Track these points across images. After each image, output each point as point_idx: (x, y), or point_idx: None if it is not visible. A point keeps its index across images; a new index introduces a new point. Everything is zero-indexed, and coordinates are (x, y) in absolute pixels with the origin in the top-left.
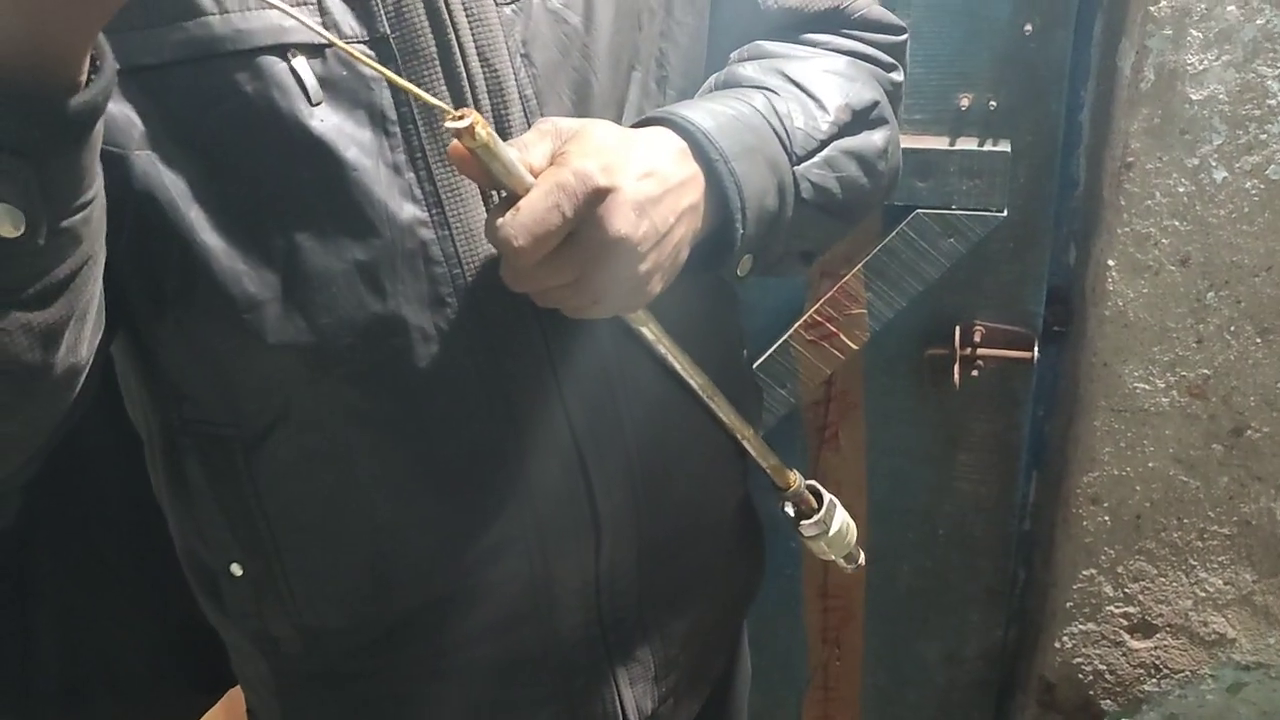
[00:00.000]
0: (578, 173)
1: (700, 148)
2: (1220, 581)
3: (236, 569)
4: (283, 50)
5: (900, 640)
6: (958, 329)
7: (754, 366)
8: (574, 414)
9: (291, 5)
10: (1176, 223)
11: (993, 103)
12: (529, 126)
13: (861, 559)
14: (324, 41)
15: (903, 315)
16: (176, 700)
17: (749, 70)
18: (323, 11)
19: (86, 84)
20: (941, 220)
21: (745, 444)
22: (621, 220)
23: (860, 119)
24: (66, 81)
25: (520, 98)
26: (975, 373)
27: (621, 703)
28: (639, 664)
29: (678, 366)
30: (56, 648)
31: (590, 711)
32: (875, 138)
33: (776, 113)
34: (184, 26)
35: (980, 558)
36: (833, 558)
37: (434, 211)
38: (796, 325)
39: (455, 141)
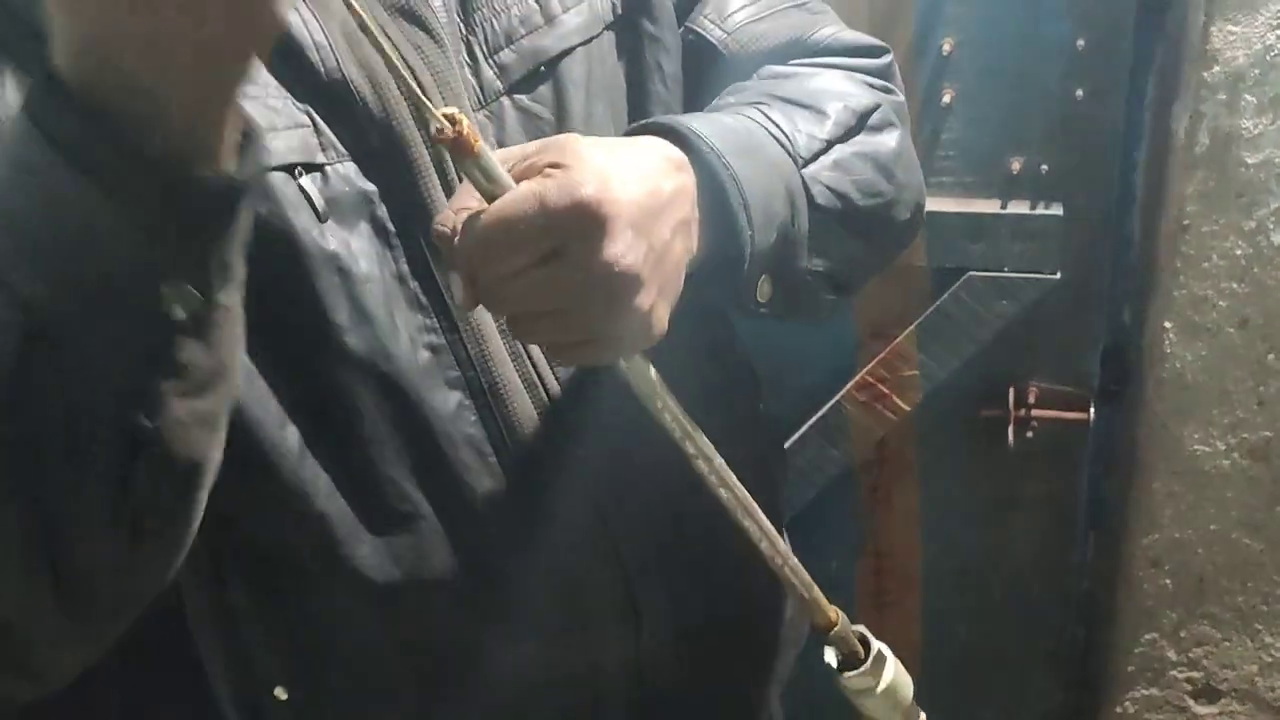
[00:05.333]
0: (561, 179)
1: (692, 147)
2: None
3: (281, 693)
4: (291, 169)
5: (957, 705)
6: (1012, 390)
7: (806, 426)
8: (605, 504)
9: (290, 126)
10: (1234, 285)
11: (1044, 166)
12: None
13: None
14: (322, 160)
15: (956, 376)
16: None
17: (732, 100)
18: (318, 131)
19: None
20: (994, 283)
21: (765, 555)
22: (618, 241)
23: (864, 122)
24: (222, 161)
25: None
26: (1030, 434)
27: None
28: None
29: (677, 432)
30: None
31: None
32: (886, 140)
33: (773, 120)
34: None
35: (1038, 621)
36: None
37: (442, 319)
38: (849, 386)
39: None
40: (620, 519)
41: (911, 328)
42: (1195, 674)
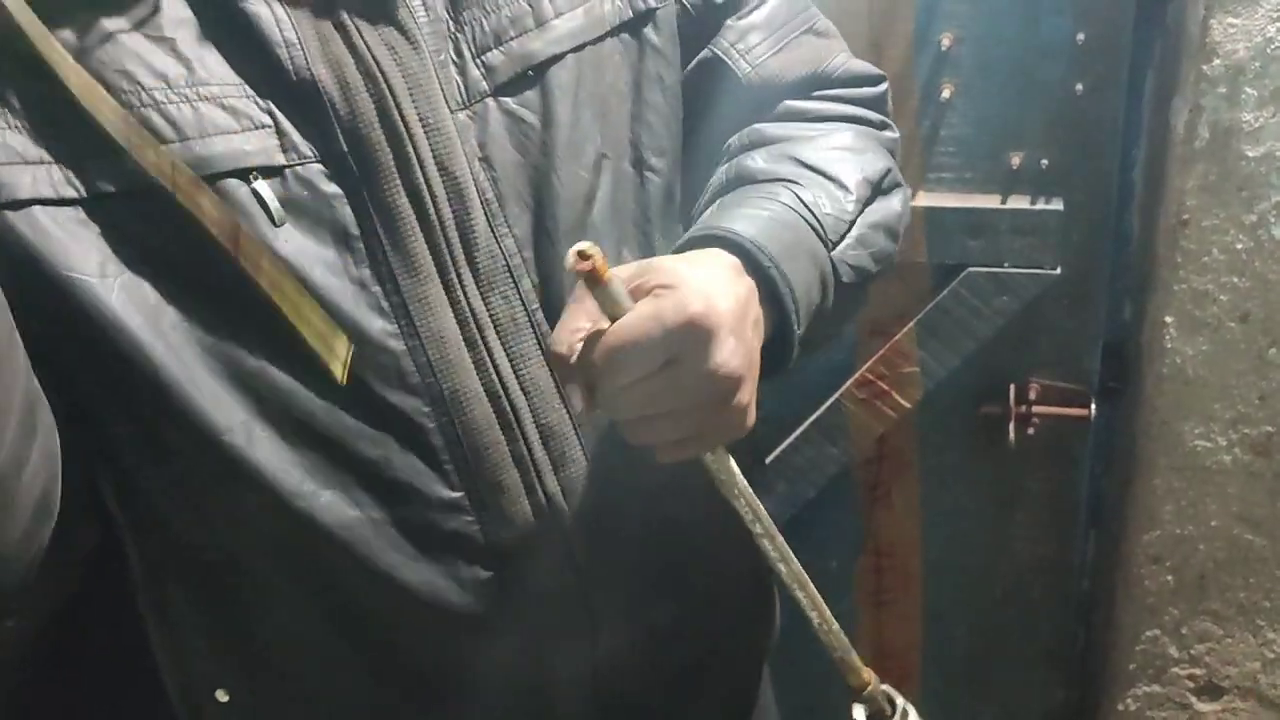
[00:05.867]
0: (673, 298)
1: (751, 257)
2: None
3: (222, 695)
4: (245, 174)
5: (958, 704)
6: (1012, 387)
7: (806, 424)
8: (564, 512)
9: (249, 128)
10: (1235, 279)
11: (1044, 161)
12: (491, 230)
13: None
14: (283, 162)
15: (956, 373)
16: None
17: (760, 162)
18: (280, 133)
19: None
20: (994, 279)
21: (814, 623)
22: (725, 349)
23: (878, 189)
24: None
25: (481, 201)
26: (1031, 431)
27: None
28: None
29: (749, 516)
30: None
31: None
32: (894, 203)
33: (804, 204)
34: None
35: (1039, 619)
36: None
37: (403, 323)
38: (848, 384)
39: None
40: (579, 527)
41: (911, 324)
42: (1197, 671)
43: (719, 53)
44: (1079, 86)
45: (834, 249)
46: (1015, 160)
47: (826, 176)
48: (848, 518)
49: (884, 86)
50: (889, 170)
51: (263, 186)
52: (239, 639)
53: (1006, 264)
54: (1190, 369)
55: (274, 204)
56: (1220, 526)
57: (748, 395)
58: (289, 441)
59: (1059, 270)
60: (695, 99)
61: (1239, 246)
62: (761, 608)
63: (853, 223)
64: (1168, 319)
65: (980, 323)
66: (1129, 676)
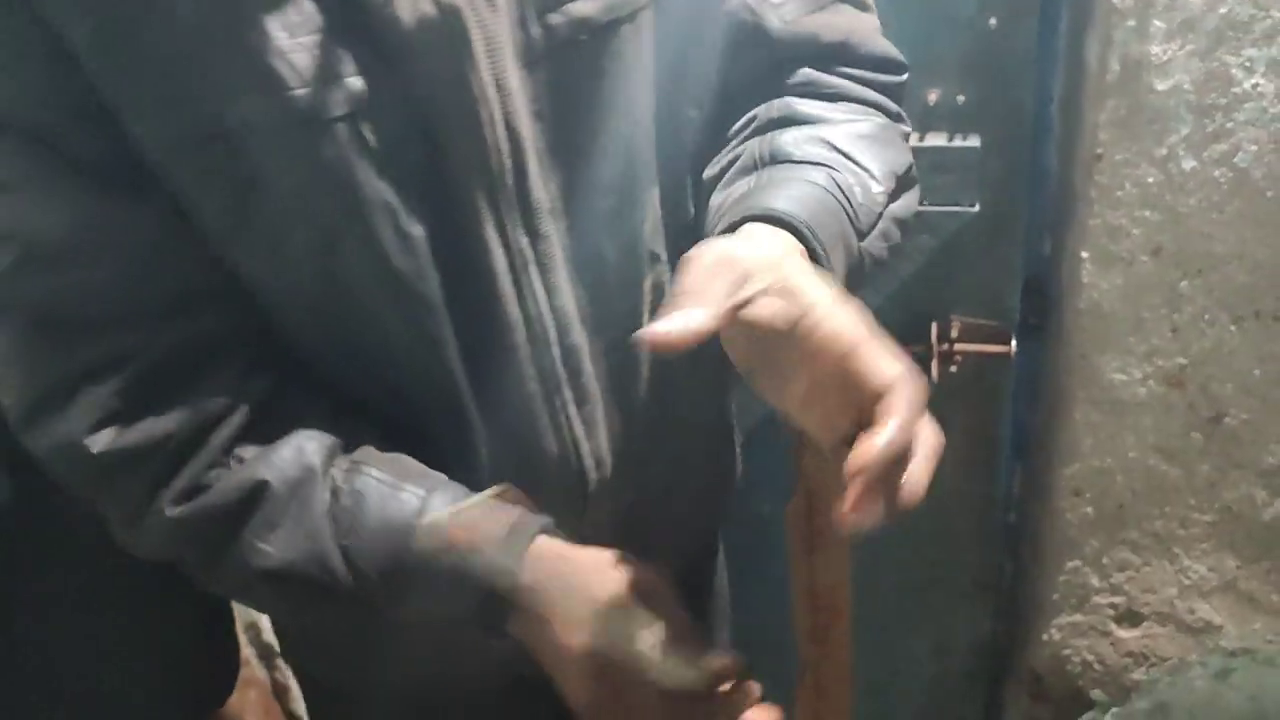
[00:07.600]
0: (917, 385)
1: (809, 245)
2: (1204, 569)
3: None
4: (352, 118)
5: (890, 635)
6: (934, 325)
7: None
8: (574, 416)
9: (350, 74)
10: (1147, 213)
11: (960, 97)
12: (541, 178)
13: None
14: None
15: (878, 312)
16: None
17: (792, 144)
18: (368, 77)
19: None
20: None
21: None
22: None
23: (900, 183)
24: None
25: (534, 151)
26: (954, 368)
27: None
28: None
29: None
30: (38, 673)
31: None
32: (911, 199)
33: (840, 188)
34: (259, 97)
35: (966, 552)
36: None
37: (458, 261)
38: None
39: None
40: (586, 425)
41: None
42: (1117, 599)
43: (751, 4)
44: (993, 20)
45: (863, 239)
46: (932, 97)
47: (858, 164)
48: (777, 461)
49: (905, 76)
50: (910, 166)
51: (367, 130)
52: None
53: (926, 201)
54: (1106, 303)
55: (374, 142)
56: (1137, 458)
57: None
58: (337, 327)
59: (977, 207)
60: (721, 50)
61: (1150, 180)
62: (726, 453)
63: (880, 215)
64: (1084, 254)
65: (901, 261)
66: (1053, 606)
